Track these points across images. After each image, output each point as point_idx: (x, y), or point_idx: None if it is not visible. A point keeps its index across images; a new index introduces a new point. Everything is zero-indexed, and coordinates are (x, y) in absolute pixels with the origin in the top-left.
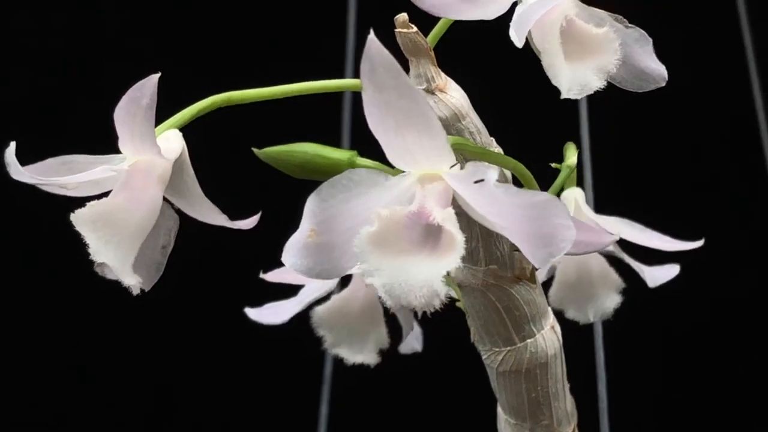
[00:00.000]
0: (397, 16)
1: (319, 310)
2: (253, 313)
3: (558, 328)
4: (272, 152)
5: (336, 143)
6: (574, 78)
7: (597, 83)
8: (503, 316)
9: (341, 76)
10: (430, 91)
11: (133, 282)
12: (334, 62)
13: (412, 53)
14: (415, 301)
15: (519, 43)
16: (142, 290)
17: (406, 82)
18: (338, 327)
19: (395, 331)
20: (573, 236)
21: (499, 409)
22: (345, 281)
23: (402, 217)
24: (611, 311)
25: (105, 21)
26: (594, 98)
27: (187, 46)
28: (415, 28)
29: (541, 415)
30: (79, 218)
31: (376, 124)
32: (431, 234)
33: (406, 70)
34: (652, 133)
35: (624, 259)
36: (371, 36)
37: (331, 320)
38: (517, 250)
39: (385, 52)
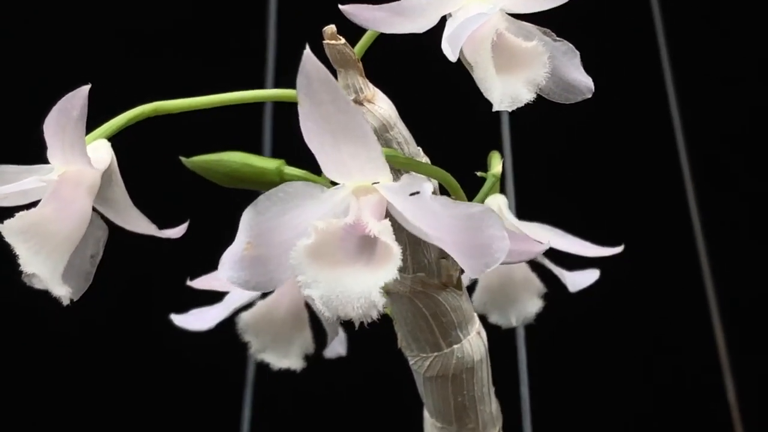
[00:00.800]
0: (326, 28)
1: (244, 316)
2: (179, 320)
3: (484, 334)
4: (199, 161)
5: (257, 152)
6: (505, 90)
7: (527, 96)
8: (430, 322)
9: (261, 84)
10: (358, 102)
11: (62, 292)
12: (253, 71)
13: (340, 64)
14: (352, 312)
15: (453, 57)
16: (71, 300)
17: (343, 97)
18: (263, 332)
19: (320, 335)
20: (507, 247)
21: (426, 413)
22: None
23: (338, 229)
24: (533, 316)
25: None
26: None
27: (111, 54)
28: (343, 40)
29: (467, 418)
30: (8, 229)
31: (313, 137)
32: (366, 245)
33: None
34: (572, 141)
35: (545, 264)
36: (307, 51)
37: (257, 326)
38: (445, 257)
39: (321, 67)
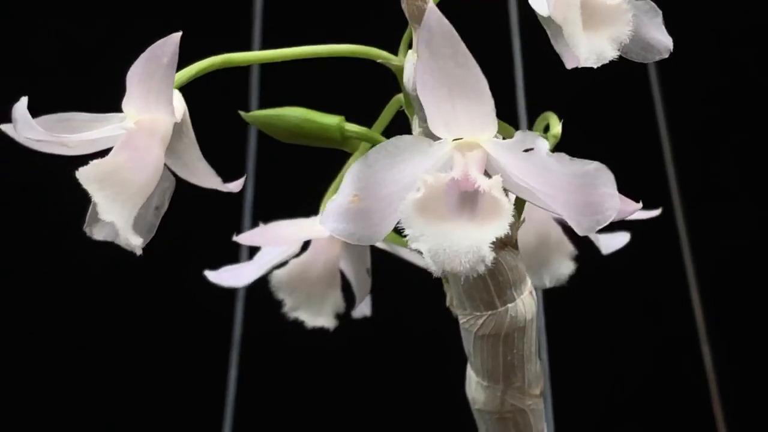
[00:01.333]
0: None
1: (278, 273)
2: (213, 276)
3: (535, 294)
4: (260, 116)
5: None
6: (592, 47)
7: (612, 53)
8: (488, 281)
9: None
10: None
11: (136, 242)
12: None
13: (417, 20)
14: (459, 266)
15: (546, 11)
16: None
17: (464, 51)
18: (298, 290)
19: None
20: (618, 205)
21: (470, 372)
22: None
23: (444, 183)
24: (566, 277)
25: None
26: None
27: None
28: None
29: (514, 377)
30: (85, 176)
31: (427, 90)
32: (467, 202)
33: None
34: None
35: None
36: (431, 5)
37: (291, 284)
38: None
39: (445, 21)
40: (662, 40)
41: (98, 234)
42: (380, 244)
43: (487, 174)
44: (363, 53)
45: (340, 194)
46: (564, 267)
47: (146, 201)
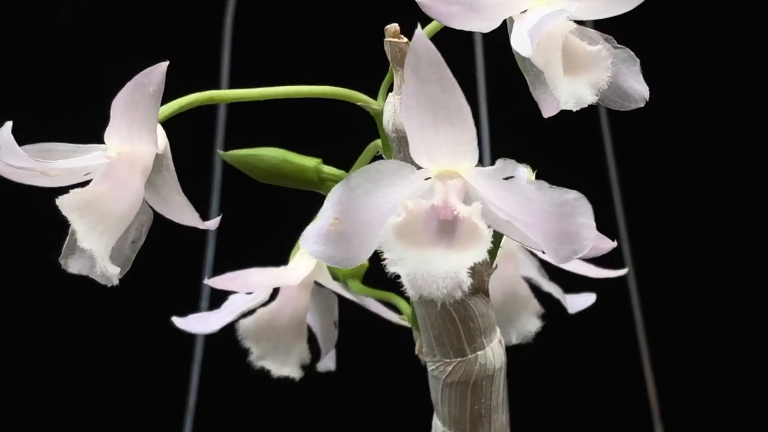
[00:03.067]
0: (388, 27)
1: (245, 322)
2: (181, 323)
3: (503, 342)
4: (239, 156)
5: None
6: (571, 91)
7: (590, 98)
8: (458, 327)
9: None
10: None
11: (114, 271)
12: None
13: (399, 63)
14: (437, 291)
15: (529, 51)
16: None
17: (450, 78)
18: (264, 340)
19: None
20: (595, 236)
21: (436, 422)
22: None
23: (424, 210)
24: (533, 335)
25: None
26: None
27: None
28: (405, 39)
29: (481, 427)
30: (66, 204)
31: (412, 116)
32: (445, 229)
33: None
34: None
35: (542, 286)
36: (419, 31)
37: (258, 333)
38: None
39: (431, 46)
40: (639, 89)
41: (73, 267)
42: (348, 295)
43: (466, 202)
44: (342, 95)
45: (321, 217)
46: (531, 324)
47: (123, 234)
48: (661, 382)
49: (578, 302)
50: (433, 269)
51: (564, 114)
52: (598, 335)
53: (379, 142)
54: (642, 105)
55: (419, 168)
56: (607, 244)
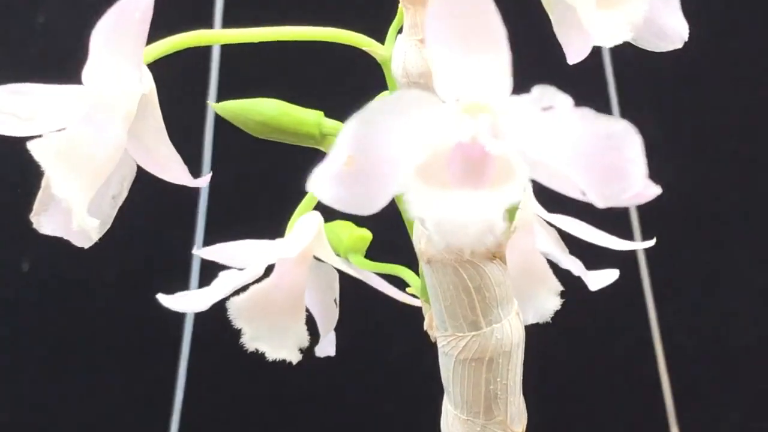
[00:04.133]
0: None
1: (237, 300)
2: (167, 300)
3: (522, 316)
4: (233, 108)
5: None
6: (605, 25)
7: (626, 33)
8: (473, 296)
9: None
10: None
11: (93, 224)
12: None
13: (409, 0)
14: (465, 237)
15: None
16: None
17: None
18: (258, 319)
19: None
20: (644, 175)
21: (447, 405)
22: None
23: (450, 148)
24: (551, 313)
25: None
26: None
27: None
28: None
29: (497, 410)
30: (39, 148)
31: (438, 40)
32: (474, 170)
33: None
34: None
35: (561, 262)
36: None
37: (251, 312)
38: None
39: None
40: (677, 28)
41: (46, 225)
42: (350, 271)
43: (498, 138)
44: (345, 39)
45: (333, 155)
46: (549, 302)
47: (103, 187)
48: (673, 366)
49: (600, 279)
50: (462, 211)
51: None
52: (608, 316)
53: (387, 93)
54: (680, 45)
55: (444, 101)
56: (653, 190)
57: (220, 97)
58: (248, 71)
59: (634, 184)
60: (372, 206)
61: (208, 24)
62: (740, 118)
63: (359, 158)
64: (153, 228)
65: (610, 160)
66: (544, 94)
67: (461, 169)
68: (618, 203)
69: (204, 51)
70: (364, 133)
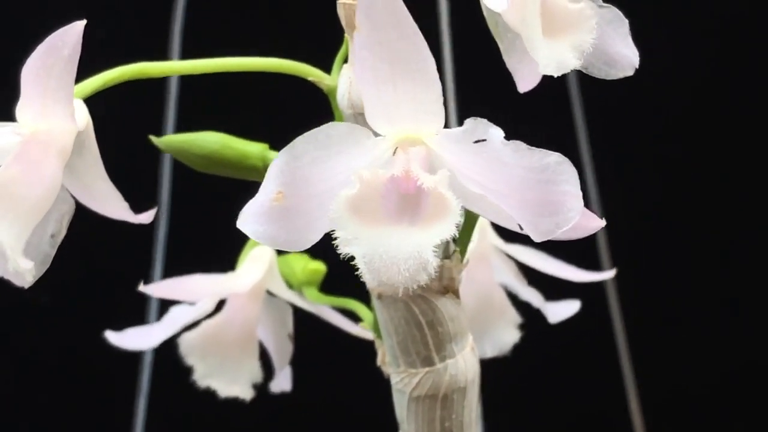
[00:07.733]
0: None
1: (188, 336)
2: (116, 338)
3: (477, 351)
4: (175, 142)
5: None
6: (552, 53)
7: (573, 62)
8: (425, 332)
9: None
10: None
11: (26, 266)
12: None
13: (353, 27)
14: (398, 275)
15: (502, 6)
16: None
17: (410, 23)
18: (210, 356)
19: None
20: (580, 208)
21: None
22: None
23: (382, 182)
24: (510, 347)
25: None
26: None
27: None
28: None
29: None
30: None
31: (367, 70)
32: (408, 204)
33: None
34: None
35: (520, 293)
36: None
37: (204, 348)
38: (448, 257)
39: None
40: (627, 55)
41: None
42: (303, 305)
43: (431, 172)
44: (290, 69)
45: (261, 191)
46: (508, 335)
47: (41, 226)
48: (644, 397)
49: (560, 311)
50: (393, 249)
51: (539, 86)
52: (576, 345)
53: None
54: (631, 73)
55: (377, 134)
56: (595, 223)
57: (178, 129)
58: (206, 103)
59: (570, 218)
60: (304, 242)
61: (165, 56)
62: (706, 146)
63: (288, 193)
64: (111, 262)
65: (544, 193)
66: (477, 126)
67: (395, 204)
68: (555, 237)
69: (164, 86)
70: (293, 168)
